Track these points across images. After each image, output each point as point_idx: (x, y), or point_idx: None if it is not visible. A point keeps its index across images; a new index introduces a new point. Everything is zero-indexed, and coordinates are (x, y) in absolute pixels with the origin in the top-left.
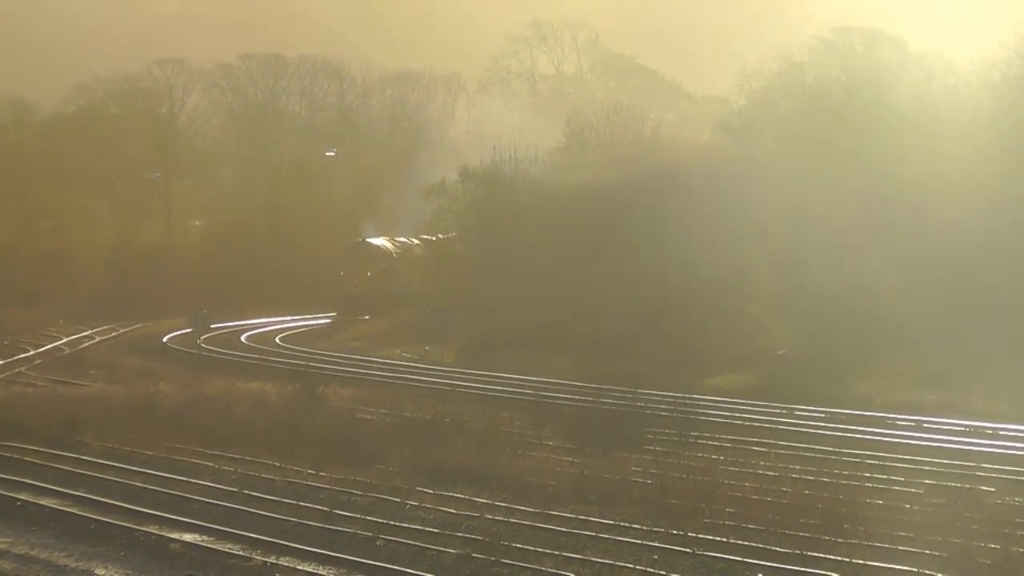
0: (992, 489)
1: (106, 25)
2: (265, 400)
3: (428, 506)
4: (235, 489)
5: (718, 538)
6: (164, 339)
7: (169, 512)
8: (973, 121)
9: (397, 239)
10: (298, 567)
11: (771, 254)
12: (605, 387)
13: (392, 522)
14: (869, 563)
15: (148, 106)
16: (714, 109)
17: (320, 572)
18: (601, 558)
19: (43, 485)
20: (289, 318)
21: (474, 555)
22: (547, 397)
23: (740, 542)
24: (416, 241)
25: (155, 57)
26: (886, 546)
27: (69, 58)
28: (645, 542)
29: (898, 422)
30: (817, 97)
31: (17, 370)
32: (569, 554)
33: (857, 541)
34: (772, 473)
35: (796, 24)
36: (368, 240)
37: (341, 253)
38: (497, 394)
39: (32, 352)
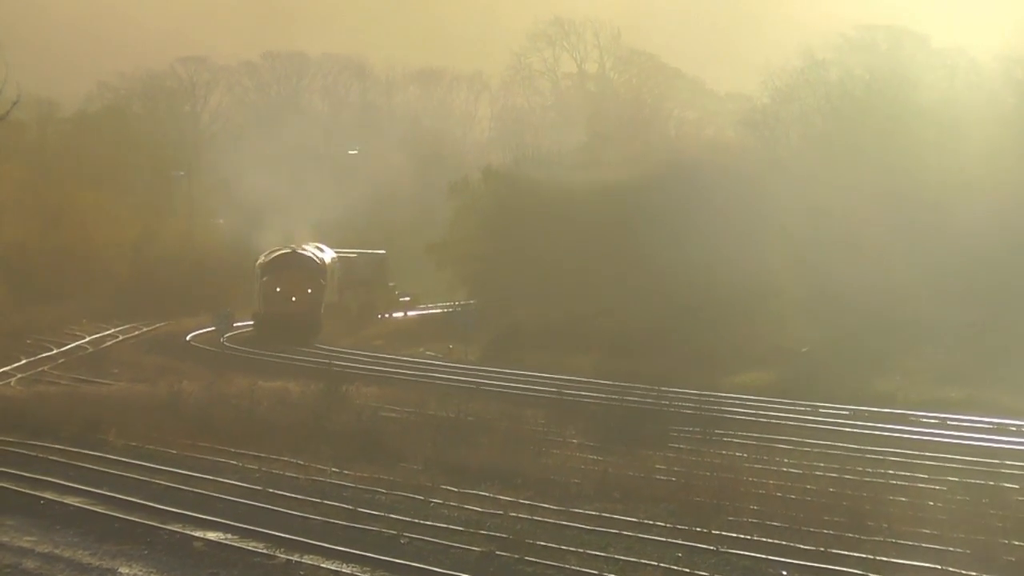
0: (1016, 486)
1: (129, 23)
2: (288, 398)
3: (452, 504)
4: (259, 487)
5: (742, 536)
6: (187, 337)
7: (193, 510)
8: (996, 118)
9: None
10: (322, 565)
11: (794, 251)
12: (629, 385)
13: (416, 520)
14: (893, 560)
15: (171, 104)
16: (737, 106)
17: (344, 570)
18: (625, 556)
19: (67, 484)
20: None
21: (498, 553)
22: (571, 395)
23: (764, 540)
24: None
25: (178, 55)
26: (910, 543)
27: (92, 56)
28: (669, 540)
29: (922, 419)
30: (840, 95)
31: (40, 369)
32: (593, 552)
33: (881, 539)
34: (796, 471)
35: (819, 21)
36: (299, 250)
37: (265, 259)
38: (521, 392)
39: (55, 351)
